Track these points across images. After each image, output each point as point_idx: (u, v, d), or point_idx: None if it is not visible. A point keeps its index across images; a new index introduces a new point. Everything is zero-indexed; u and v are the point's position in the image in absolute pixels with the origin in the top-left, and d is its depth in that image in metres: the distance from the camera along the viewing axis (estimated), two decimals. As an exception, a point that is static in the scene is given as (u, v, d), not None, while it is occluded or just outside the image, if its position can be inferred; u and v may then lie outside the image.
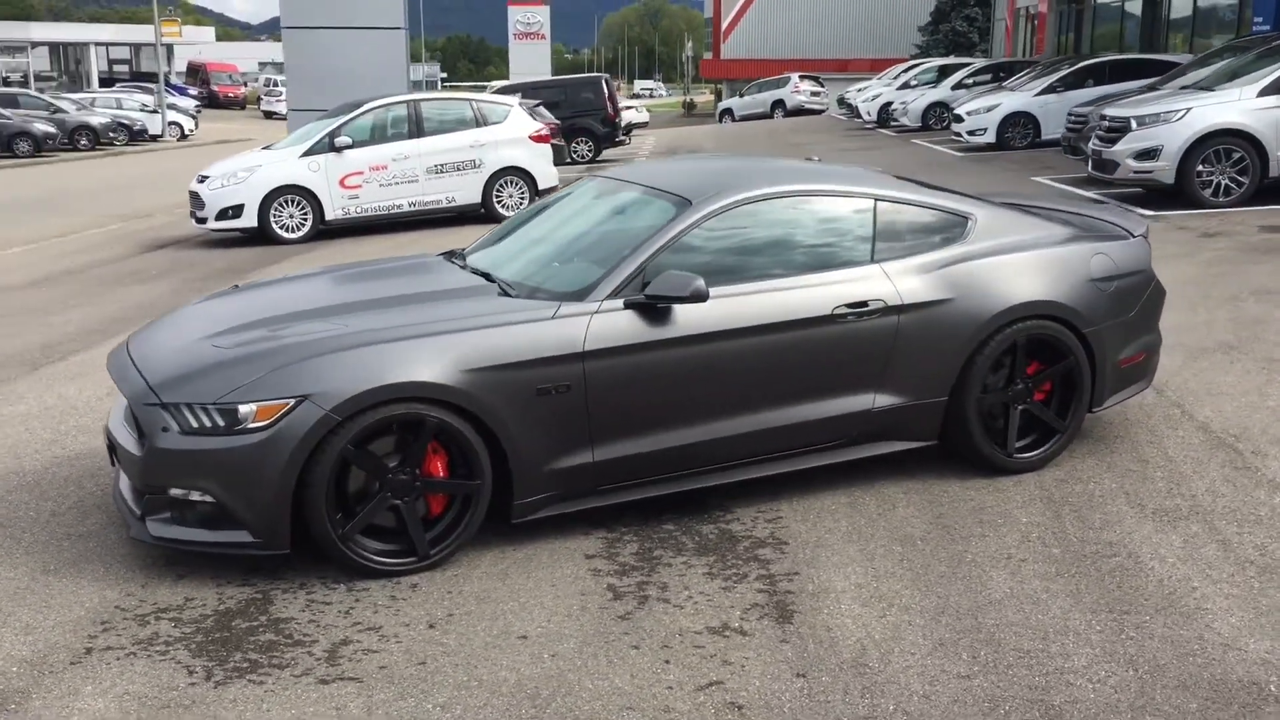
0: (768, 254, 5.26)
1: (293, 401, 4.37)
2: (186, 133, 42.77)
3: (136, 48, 71.84)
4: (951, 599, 4.35)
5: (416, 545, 4.61)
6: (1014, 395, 5.54)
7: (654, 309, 4.87)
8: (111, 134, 37.25)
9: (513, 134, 15.61)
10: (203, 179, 14.83)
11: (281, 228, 14.53)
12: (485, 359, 4.59)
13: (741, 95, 52.57)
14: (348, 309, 5.02)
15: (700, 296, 4.82)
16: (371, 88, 16.95)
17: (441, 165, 15.12)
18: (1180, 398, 6.68)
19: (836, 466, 5.44)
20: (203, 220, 14.67)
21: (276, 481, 4.35)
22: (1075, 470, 5.66)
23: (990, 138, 23.07)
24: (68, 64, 69.90)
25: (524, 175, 15.65)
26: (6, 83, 57.23)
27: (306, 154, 14.60)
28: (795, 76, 50.48)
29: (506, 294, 5.04)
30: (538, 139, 15.86)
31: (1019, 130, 23.04)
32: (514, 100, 16.62)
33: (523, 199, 15.58)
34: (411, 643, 4.07)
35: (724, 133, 39.91)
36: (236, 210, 14.43)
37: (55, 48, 69.11)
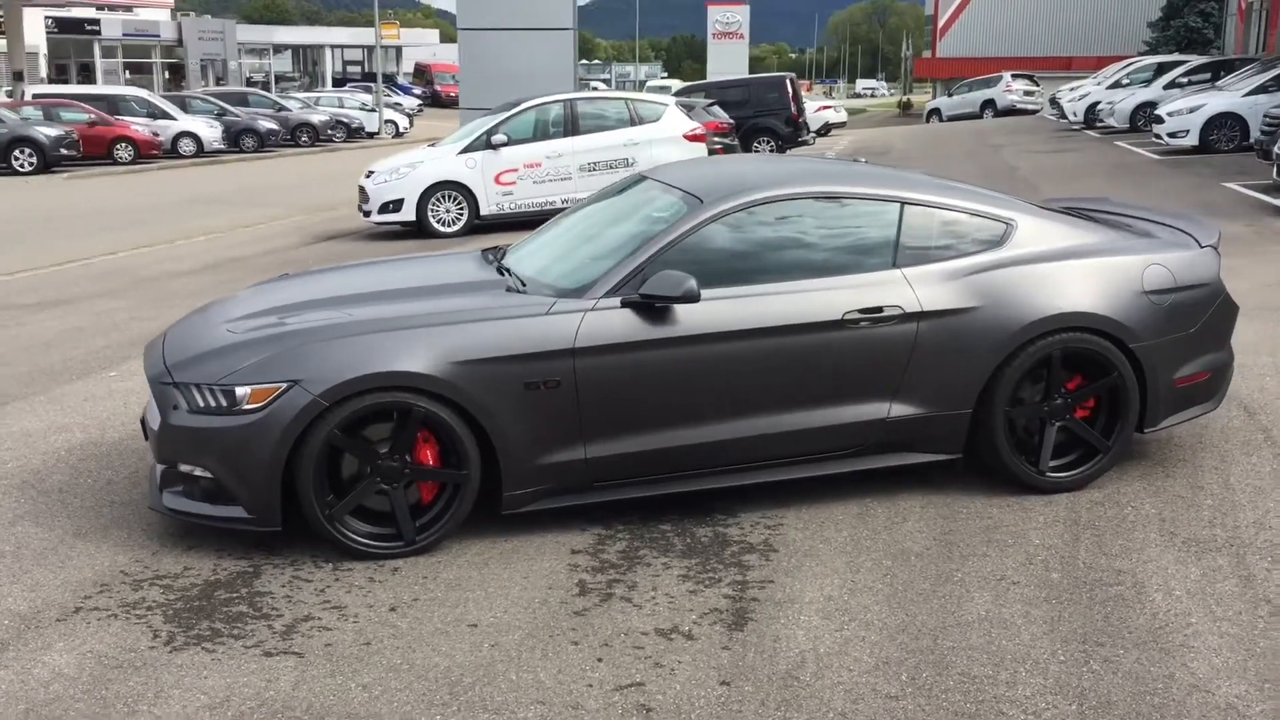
0: (781, 256, 5.18)
1: (285, 385, 4.57)
2: (401, 130, 44.66)
3: (369, 50, 75.45)
4: (919, 618, 4.20)
5: (403, 530, 4.75)
6: (1051, 411, 5.28)
7: (652, 308, 4.87)
8: (330, 131, 39.23)
9: (666, 133, 15.71)
10: (369, 174, 15.51)
11: (438, 222, 15.05)
12: (474, 352, 4.69)
13: (950, 95, 51.25)
14: (359, 299, 5.20)
15: (691, 297, 4.79)
16: (539, 87, 17.34)
17: (594, 163, 15.35)
18: (1272, 422, 6.22)
19: (859, 476, 5.31)
20: (367, 214, 15.34)
21: (267, 461, 4.56)
22: (1117, 492, 5.35)
23: (1193, 140, 21.83)
24: (307, 65, 73.98)
25: (680, 174, 15.68)
26: (250, 83, 61.11)
27: (464, 151, 15.07)
28: (1008, 75, 48.86)
29: (516, 290, 5.12)
30: (692, 138, 15.91)
31: (1225, 132, 21.72)
32: (670, 100, 16.72)
33: (677, 198, 15.62)
34: (366, 624, 4.20)
35: (921, 133, 39.02)
36: (397, 204, 15.02)
37: (296, 50, 73.28)
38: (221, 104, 35.86)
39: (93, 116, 30.19)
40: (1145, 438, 5.83)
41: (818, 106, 42.18)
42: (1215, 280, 5.54)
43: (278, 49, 69.93)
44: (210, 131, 33.09)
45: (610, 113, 15.78)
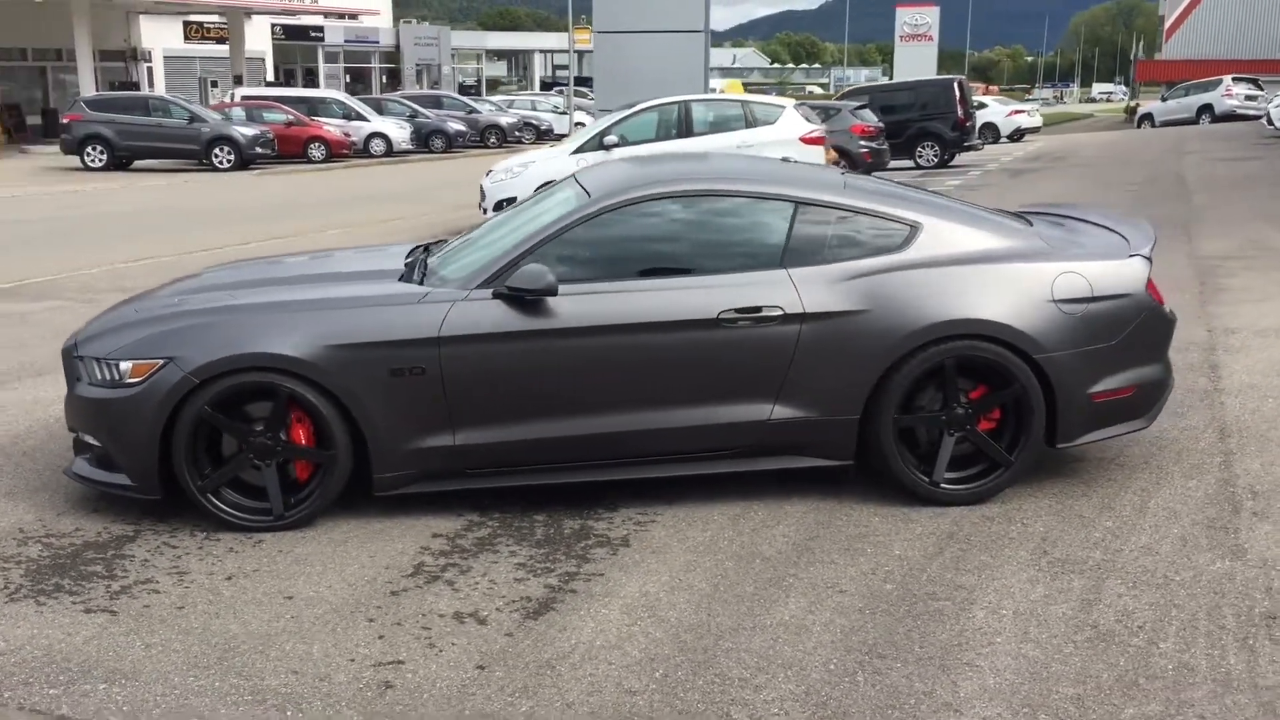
0: (666, 253, 5.18)
1: (161, 362, 4.87)
2: (596, 131, 45.48)
3: (581, 54, 77.16)
4: (718, 619, 4.15)
5: (273, 505, 4.98)
6: (949, 421, 5.10)
7: (524, 301, 4.95)
8: (518, 132, 40.34)
9: (782, 136, 15.60)
10: (489, 173, 15.97)
11: (550, 220, 15.34)
12: (341, 337, 4.88)
13: (1164, 99, 48.66)
14: (266, 284, 5.47)
15: (549, 291, 4.86)
16: (670, 89, 17.48)
17: (708, 165, 15.34)
18: (1239, 446, 5.82)
19: (784, 477, 5.26)
20: (485, 211, 15.80)
21: (144, 433, 4.87)
22: (1018, 508, 5.13)
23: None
24: (518, 70, 76.35)
25: (793, 177, 15.56)
26: (463, 88, 63.46)
27: (576, 151, 15.34)
28: (1228, 79, 46.01)
29: (407, 279, 5.28)
30: (809, 141, 15.74)
31: None
32: (788, 102, 16.58)
33: (791, 201, 15.50)
34: (194, 590, 4.44)
35: (1116, 140, 37.23)
36: (510, 202, 15.39)
37: (509, 55, 75.71)
38: (414, 106, 37.38)
39: (290, 117, 31.98)
40: (1100, 454, 5.55)
41: (1009, 111, 40.81)
42: (1140, 291, 5.22)
43: (490, 54, 72.31)
44: (400, 132, 34.54)
45: (726, 115, 15.80)
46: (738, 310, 4.97)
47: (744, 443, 5.09)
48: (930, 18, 41.49)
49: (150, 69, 46.68)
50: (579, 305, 4.96)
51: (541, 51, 75.50)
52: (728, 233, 5.22)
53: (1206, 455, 5.73)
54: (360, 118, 34.31)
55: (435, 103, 39.84)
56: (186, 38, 48.37)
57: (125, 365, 4.92)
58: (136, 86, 41.13)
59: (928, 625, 4.09)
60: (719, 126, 15.62)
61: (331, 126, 32.69)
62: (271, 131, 30.15)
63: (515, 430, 5.01)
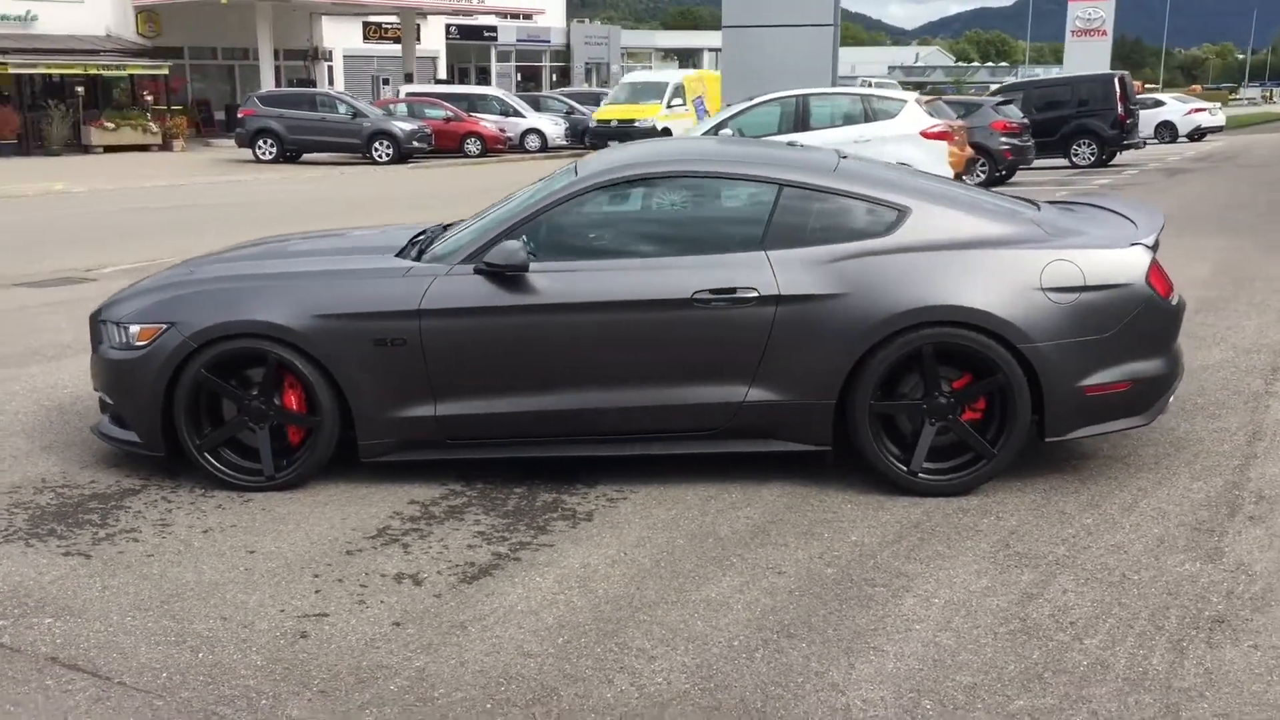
0: (647, 233, 5.24)
1: (164, 327, 5.17)
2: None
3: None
4: (645, 593, 4.19)
5: (264, 466, 5.22)
6: (930, 409, 5.00)
7: (504, 277, 5.07)
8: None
9: (902, 130, 15.36)
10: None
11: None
12: (329, 307, 5.09)
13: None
14: (270, 257, 5.73)
15: (521, 267, 4.97)
16: (797, 83, 17.38)
17: (824, 160, 15.20)
18: (1270, 449, 5.52)
19: (770, 461, 5.27)
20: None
21: (149, 393, 5.18)
22: (998, 501, 5.00)
23: None
24: (687, 67, 76.62)
25: (912, 173, 15.28)
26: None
27: (693, 145, 15.38)
28: None
29: (405, 255, 5.45)
30: (932, 135, 15.46)
31: None
32: (909, 96, 16.26)
33: (910, 197, 15.23)
34: (169, 541, 4.70)
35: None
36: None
37: (678, 54, 76.06)
38: (571, 103, 37.97)
39: (449, 113, 32.93)
40: (1113, 451, 5.36)
41: (1189, 109, 39.00)
42: (1138, 281, 5.01)
43: (660, 53, 72.82)
44: (554, 128, 35.15)
45: (843, 109, 15.62)
46: (712, 291, 4.98)
47: (719, 424, 5.09)
48: (1104, 11, 39.89)
49: (331, 68, 48.67)
50: (556, 282, 5.05)
51: (710, 50, 75.55)
52: (709, 214, 5.23)
53: (1226, 458, 5.46)
54: (517, 114, 35.06)
55: (594, 100, 40.36)
56: (365, 38, 50.21)
57: (134, 329, 5.23)
58: (312, 84, 42.90)
59: (851, 609, 4.04)
60: (835, 120, 15.45)
61: (488, 122, 33.51)
62: (429, 127, 31.11)
63: (493, 403, 5.12)
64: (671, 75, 33.31)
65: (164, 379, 5.14)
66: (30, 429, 6.24)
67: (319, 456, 5.22)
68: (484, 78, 60.36)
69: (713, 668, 3.65)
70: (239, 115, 30.95)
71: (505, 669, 3.66)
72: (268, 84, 37.58)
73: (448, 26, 56.78)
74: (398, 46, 48.44)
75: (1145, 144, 28.45)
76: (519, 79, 61.87)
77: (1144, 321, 5.01)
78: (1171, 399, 5.30)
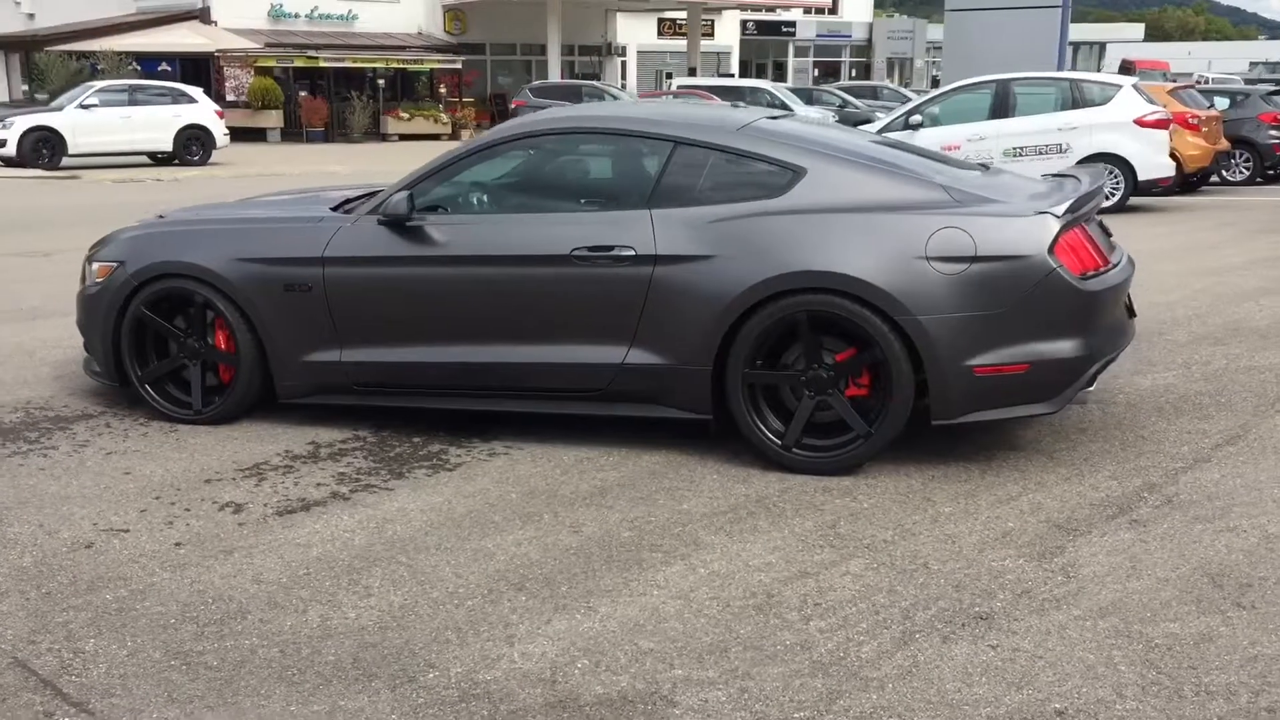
0: (541, 187, 5.21)
1: (115, 265, 5.58)
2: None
3: (1074, 46, 73.24)
4: (424, 538, 4.19)
5: (193, 401, 5.55)
6: (809, 382, 4.73)
7: (403, 227, 5.17)
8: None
9: (1114, 118, 14.26)
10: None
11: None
12: (248, 252, 5.35)
13: None
14: (237, 205, 6.06)
15: (400, 218, 5.05)
16: (1017, 67, 16.49)
17: (1020, 148, 14.40)
18: (1232, 456, 4.88)
19: (689, 430, 5.10)
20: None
21: (101, 327, 5.61)
22: (870, 484, 4.69)
23: None
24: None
25: (1121, 164, 14.22)
26: (935, 81, 62.30)
27: (879, 132, 14.90)
28: None
29: (340, 209, 5.64)
30: (1150, 123, 14.27)
31: None
32: (1126, 81, 15.05)
33: (1116, 189, 14.20)
34: (70, 459, 5.06)
35: None
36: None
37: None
38: (845, 96, 37.35)
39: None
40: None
41: None
42: (1038, 254, 4.52)
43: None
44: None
45: (1049, 95, 14.68)
46: (590, 248, 4.89)
47: (600, 386, 5.00)
48: None
49: (624, 63, 50.11)
50: (446, 235, 5.10)
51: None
52: (602, 171, 5.14)
53: (1173, 459, 4.87)
54: (785, 107, 34.82)
55: (871, 93, 39.60)
56: (659, 34, 51.40)
57: (95, 267, 5.69)
58: (597, 78, 44.26)
59: (606, 571, 3.90)
60: (1040, 107, 14.54)
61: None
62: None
63: (392, 352, 5.23)
64: None
65: (112, 314, 5.55)
66: (65, 361, 6.83)
67: (239, 395, 5.48)
68: (779, 73, 60.39)
69: (411, 611, 3.63)
70: (511, 106, 32.37)
71: (221, 593, 3.77)
72: (554, 77, 39.10)
73: (743, 22, 57.19)
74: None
75: None
76: (815, 74, 61.49)
77: (1045, 298, 4.52)
78: (1092, 387, 4.76)
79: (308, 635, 3.47)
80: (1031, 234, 4.54)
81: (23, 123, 23.88)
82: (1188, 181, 16.73)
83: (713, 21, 52.65)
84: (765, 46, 60.61)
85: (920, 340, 4.52)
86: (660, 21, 50.95)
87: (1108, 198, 14.17)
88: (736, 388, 4.77)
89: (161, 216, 6.07)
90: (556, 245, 4.93)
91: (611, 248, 4.86)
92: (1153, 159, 14.27)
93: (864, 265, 4.56)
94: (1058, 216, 4.57)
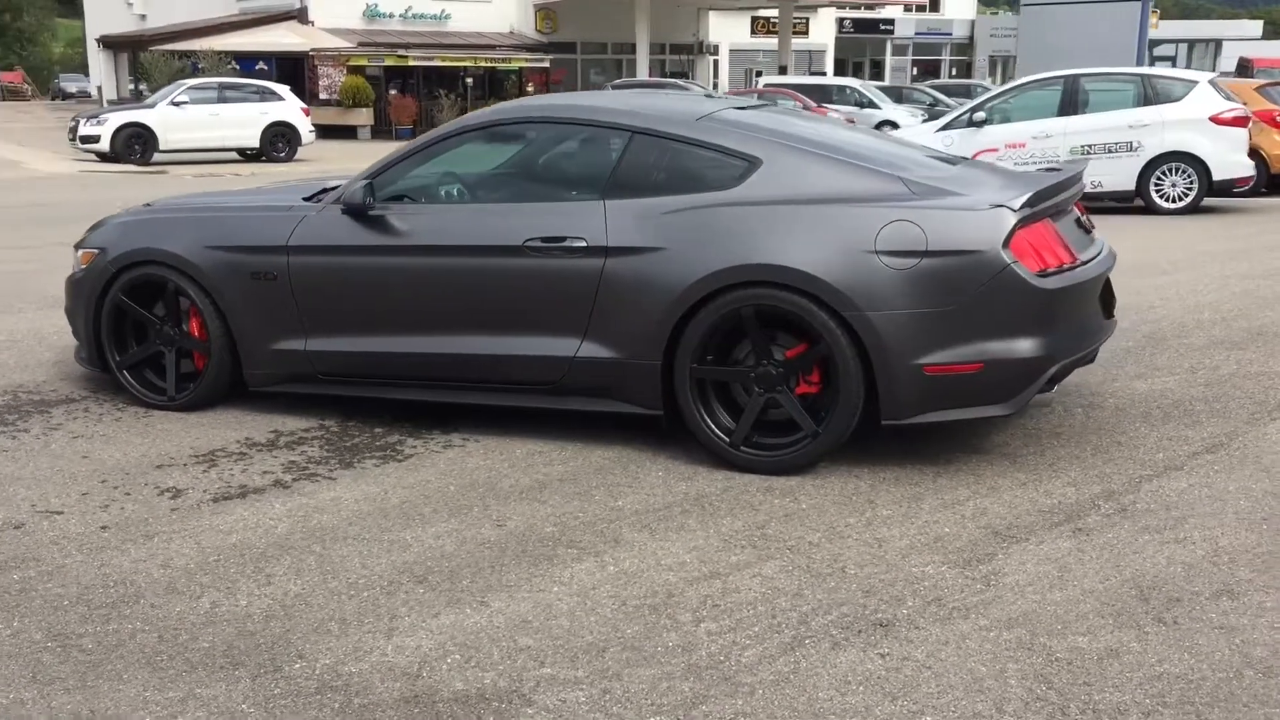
0: (503, 178, 5.16)
1: (97, 252, 5.67)
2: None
3: (1191, 44, 71.03)
4: (343, 528, 4.16)
5: (167, 388, 5.60)
6: (759, 378, 4.60)
7: (365, 216, 5.15)
8: None
9: (1187, 114, 13.69)
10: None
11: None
12: (218, 240, 5.38)
13: None
14: (221, 194, 6.10)
15: (354, 208, 5.03)
16: (1096, 61, 16.02)
17: (1089, 146, 13.92)
18: (1206, 465, 4.62)
19: (644, 427, 5.00)
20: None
21: (84, 313, 5.70)
22: (816, 485, 4.53)
23: None
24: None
25: (1195, 163, 13.68)
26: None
27: (943, 129, 14.59)
28: None
29: (311, 197, 5.63)
30: (1226, 121, 13.70)
31: None
32: (1203, 76, 14.45)
33: (1189, 189, 13.68)
34: (37, 441, 5.14)
35: None
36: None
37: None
38: (936, 95, 36.70)
39: (797, 104, 32.84)
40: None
41: None
42: (991, 249, 4.32)
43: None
44: (910, 120, 34.07)
45: (1119, 91, 14.17)
46: (543, 239, 4.82)
47: (554, 378, 4.92)
48: None
49: (716, 61, 49.95)
50: (404, 224, 5.07)
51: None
52: (561, 161, 5.06)
53: (1141, 466, 4.62)
54: (872, 105, 34.31)
55: (965, 92, 38.82)
56: (753, 32, 51.14)
57: (79, 254, 5.77)
58: (685, 76, 44.12)
59: (515, 566, 3.83)
60: (1110, 103, 14.05)
61: (836, 113, 33.08)
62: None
63: (351, 342, 5.22)
64: None
65: (93, 300, 5.62)
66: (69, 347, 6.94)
67: (210, 382, 5.51)
68: (877, 72, 59.63)
69: (303, 601, 3.60)
70: (594, 104, 32.41)
71: (125, 576, 3.77)
72: (642, 75, 39.11)
73: (840, 20, 56.59)
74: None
75: None
76: (914, 73, 60.57)
77: (999, 295, 4.32)
78: (1054, 388, 4.54)
79: (192, 622, 3.46)
80: (984, 228, 4.34)
81: (116, 119, 24.63)
82: (1275, 182, 16.05)
83: (807, 20, 52.20)
84: (862, 45, 59.87)
85: (868, 337, 4.35)
86: (754, 20, 50.66)
87: (1176, 200, 13.68)
88: (684, 383, 4.65)
89: (148, 205, 6.13)
90: (511, 236, 4.87)
91: (564, 238, 4.78)
92: (1229, 158, 13.68)
93: (811, 259, 4.40)
94: (1014, 210, 4.36)
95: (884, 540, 3.97)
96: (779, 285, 4.43)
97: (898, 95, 36.37)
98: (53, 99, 62.30)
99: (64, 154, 25.96)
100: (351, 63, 36.63)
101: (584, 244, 4.74)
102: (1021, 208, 4.36)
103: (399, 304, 5.08)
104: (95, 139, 24.37)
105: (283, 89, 26.27)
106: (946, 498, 4.34)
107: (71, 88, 61.43)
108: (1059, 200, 4.66)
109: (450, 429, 5.26)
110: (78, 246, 5.87)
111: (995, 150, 14.18)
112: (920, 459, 4.74)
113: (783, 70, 44.35)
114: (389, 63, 37.56)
